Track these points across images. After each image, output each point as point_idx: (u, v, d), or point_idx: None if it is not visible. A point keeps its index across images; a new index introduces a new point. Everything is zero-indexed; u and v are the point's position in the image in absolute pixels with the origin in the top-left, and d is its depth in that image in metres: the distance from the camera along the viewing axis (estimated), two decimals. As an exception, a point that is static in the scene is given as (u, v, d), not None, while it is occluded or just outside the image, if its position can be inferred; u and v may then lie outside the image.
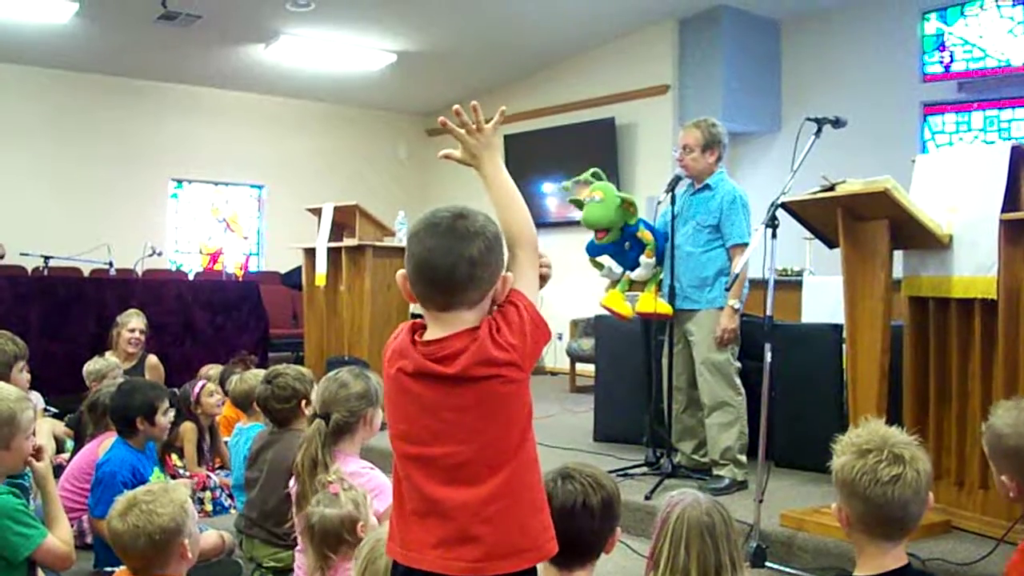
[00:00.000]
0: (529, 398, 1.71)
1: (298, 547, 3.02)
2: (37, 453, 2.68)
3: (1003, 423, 2.05)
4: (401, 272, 1.72)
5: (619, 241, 4.35)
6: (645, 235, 4.33)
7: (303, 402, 3.45)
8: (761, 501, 3.36)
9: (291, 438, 3.40)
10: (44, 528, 2.57)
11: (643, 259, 4.37)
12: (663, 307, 4.30)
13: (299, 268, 6.81)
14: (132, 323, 5.43)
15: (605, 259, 4.53)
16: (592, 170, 4.42)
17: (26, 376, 3.95)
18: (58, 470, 3.75)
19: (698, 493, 2.21)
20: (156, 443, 3.80)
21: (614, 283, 4.58)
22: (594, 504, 1.99)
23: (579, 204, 4.39)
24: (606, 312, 4.56)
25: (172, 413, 3.73)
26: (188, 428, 4.42)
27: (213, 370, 5.19)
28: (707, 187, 4.34)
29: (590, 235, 4.39)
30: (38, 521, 2.58)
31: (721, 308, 4.25)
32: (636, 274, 4.46)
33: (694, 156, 4.31)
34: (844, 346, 3.96)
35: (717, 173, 4.35)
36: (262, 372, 4.05)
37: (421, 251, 1.65)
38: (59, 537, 2.61)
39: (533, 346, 1.67)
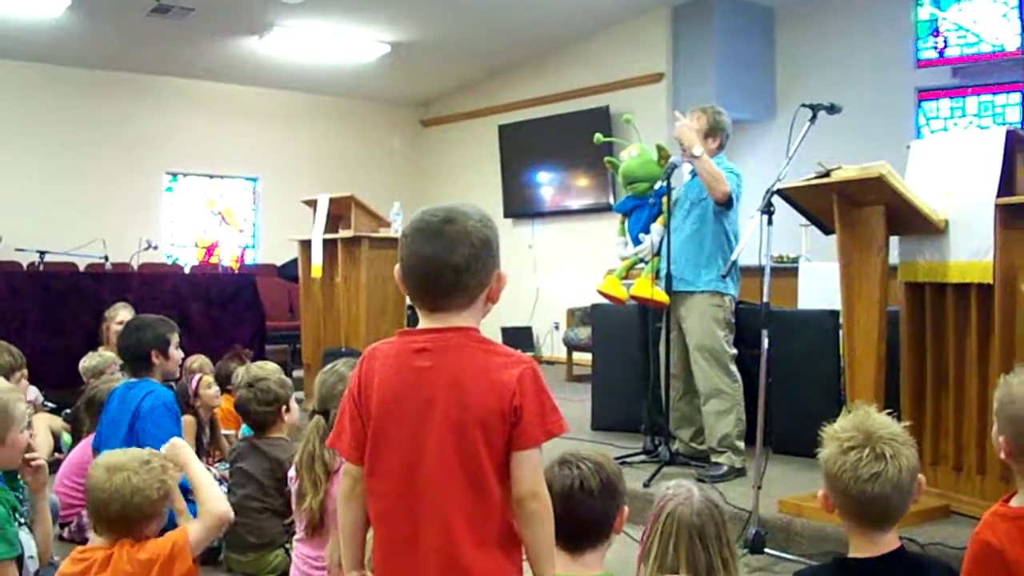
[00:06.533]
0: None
1: (297, 536, 3.03)
2: (31, 463, 2.58)
3: (1021, 390, 1.99)
4: (398, 267, 1.74)
5: (648, 195, 4.55)
6: (665, 203, 4.38)
7: (283, 408, 3.51)
8: (759, 488, 3.36)
9: (263, 450, 3.49)
10: (16, 549, 2.43)
11: (655, 226, 4.49)
12: (659, 295, 4.31)
13: (295, 260, 6.78)
14: (120, 316, 5.41)
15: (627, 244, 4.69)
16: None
17: (24, 386, 3.91)
18: (55, 466, 3.74)
19: (693, 487, 2.13)
20: (170, 378, 3.77)
21: (622, 260, 4.71)
22: (592, 486, 1.99)
23: (614, 165, 4.74)
24: (603, 300, 4.57)
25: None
26: (188, 422, 4.39)
27: (197, 362, 5.13)
28: (703, 169, 4.36)
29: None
30: (13, 538, 2.44)
31: (714, 292, 4.27)
32: (641, 247, 4.51)
33: None
34: (841, 332, 3.97)
35: (716, 157, 4.37)
36: (270, 365, 4.04)
37: (409, 256, 1.68)
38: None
39: (539, 417, 1.64)
